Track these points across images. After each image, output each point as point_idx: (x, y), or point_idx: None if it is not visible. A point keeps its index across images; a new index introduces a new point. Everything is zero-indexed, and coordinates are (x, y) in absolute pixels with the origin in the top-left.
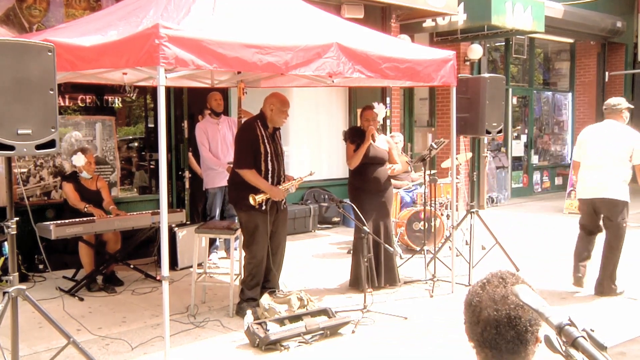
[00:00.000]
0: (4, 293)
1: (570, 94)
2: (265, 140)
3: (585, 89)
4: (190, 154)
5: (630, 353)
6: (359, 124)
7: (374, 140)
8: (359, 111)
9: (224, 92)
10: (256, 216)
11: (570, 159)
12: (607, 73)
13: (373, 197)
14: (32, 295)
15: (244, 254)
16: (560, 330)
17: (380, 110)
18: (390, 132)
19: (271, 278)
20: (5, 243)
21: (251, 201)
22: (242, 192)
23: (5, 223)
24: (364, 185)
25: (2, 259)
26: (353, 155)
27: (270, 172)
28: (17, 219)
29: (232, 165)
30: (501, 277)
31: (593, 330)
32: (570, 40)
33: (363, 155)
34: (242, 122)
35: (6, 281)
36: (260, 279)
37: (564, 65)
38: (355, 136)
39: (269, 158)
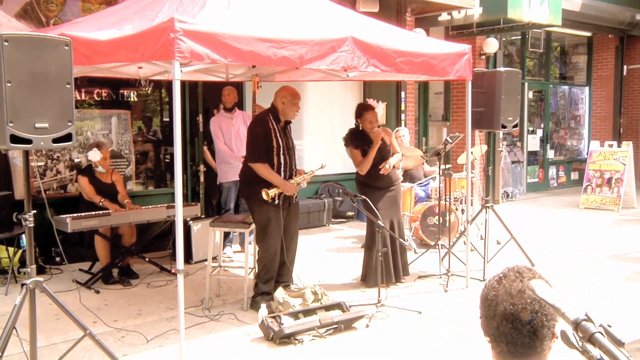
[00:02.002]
0: (22, 285)
1: (587, 88)
2: (277, 134)
3: (602, 83)
4: (205, 147)
5: None
6: (355, 124)
7: (385, 142)
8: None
9: (239, 86)
10: (269, 210)
11: (587, 154)
12: (625, 67)
13: (382, 192)
14: (49, 288)
15: (257, 248)
16: (577, 325)
17: (380, 109)
18: (404, 127)
19: (285, 272)
20: (23, 236)
21: (264, 196)
22: (254, 187)
23: (23, 216)
24: (373, 182)
25: (20, 251)
26: (363, 160)
27: (282, 165)
28: (35, 211)
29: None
30: (518, 271)
31: (610, 326)
32: (588, 34)
33: (373, 158)
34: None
35: (24, 273)
36: (274, 273)
37: (581, 59)
38: (358, 140)
39: (281, 152)
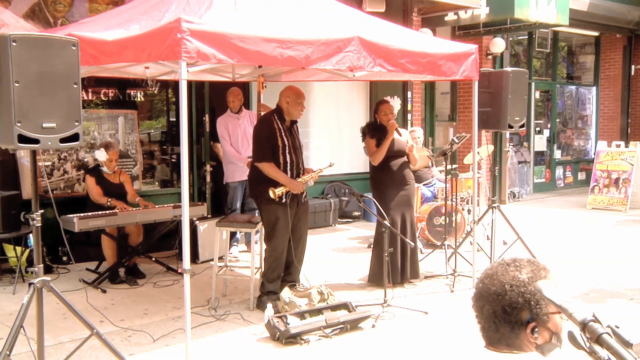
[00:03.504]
0: (30, 284)
1: (594, 88)
2: (283, 134)
3: (610, 83)
4: (217, 144)
5: None
6: (372, 120)
7: (399, 134)
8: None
9: (245, 86)
10: (277, 209)
11: (594, 154)
12: (633, 67)
13: (397, 190)
14: (56, 287)
15: (264, 247)
16: (584, 326)
17: (395, 104)
18: (411, 127)
19: (292, 271)
20: (31, 235)
21: (271, 194)
22: (261, 186)
23: (31, 215)
24: (389, 179)
25: (27, 250)
26: (376, 150)
27: (289, 164)
28: (42, 211)
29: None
30: (517, 262)
31: (618, 327)
32: (596, 34)
33: (387, 149)
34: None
35: (31, 273)
36: (280, 272)
37: (588, 59)
38: (375, 131)
39: (287, 151)
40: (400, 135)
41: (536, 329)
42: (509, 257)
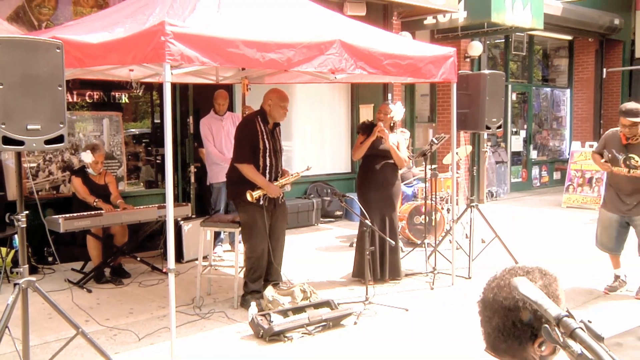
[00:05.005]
0: (15, 285)
1: (568, 90)
2: (265, 136)
3: (583, 86)
4: (202, 149)
5: (627, 344)
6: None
7: (384, 138)
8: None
9: (229, 89)
10: (254, 211)
11: (569, 154)
12: (605, 70)
13: (379, 190)
14: (41, 287)
15: (244, 247)
16: (558, 321)
17: (395, 108)
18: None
19: (273, 272)
20: (16, 236)
21: (248, 197)
22: (239, 188)
23: (16, 216)
24: (371, 177)
25: (13, 251)
26: (356, 146)
27: (268, 167)
28: (27, 212)
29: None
30: (530, 274)
31: (590, 322)
32: (569, 38)
33: (369, 147)
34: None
35: (17, 273)
36: (262, 272)
37: (562, 62)
38: (366, 129)
39: (267, 154)
40: (386, 138)
41: (544, 343)
42: (521, 264)
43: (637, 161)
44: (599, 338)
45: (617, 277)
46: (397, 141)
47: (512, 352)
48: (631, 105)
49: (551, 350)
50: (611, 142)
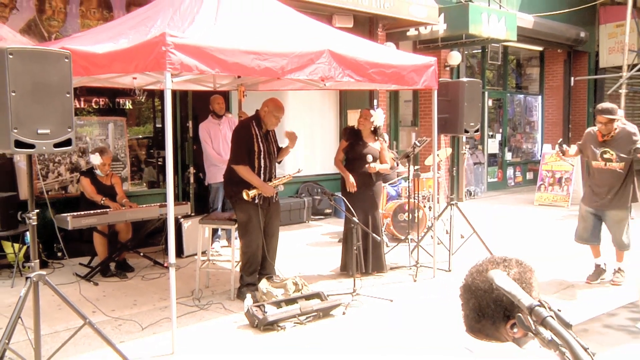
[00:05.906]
0: (27, 278)
1: (540, 97)
2: (259, 140)
3: (553, 93)
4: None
5: (592, 330)
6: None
7: (362, 140)
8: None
9: (226, 95)
10: (249, 209)
11: (540, 156)
12: (572, 78)
13: (362, 190)
14: (51, 280)
15: (240, 242)
16: (531, 310)
17: (376, 114)
18: (384, 132)
19: (267, 266)
20: (27, 233)
21: (244, 196)
22: (236, 187)
23: (27, 215)
24: (355, 179)
25: (25, 247)
26: (339, 153)
27: (262, 168)
28: (38, 210)
29: None
30: (506, 262)
31: (560, 310)
32: (540, 48)
33: (353, 152)
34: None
35: (28, 267)
36: (257, 266)
37: (534, 71)
38: (349, 135)
39: (262, 156)
40: (362, 140)
41: (515, 325)
42: (500, 255)
43: (612, 154)
44: (567, 325)
45: (597, 266)
46: (381, 147)
47: (486, 331)
48: (606, 104)
49: (523, 334)
50: (589, 140)
